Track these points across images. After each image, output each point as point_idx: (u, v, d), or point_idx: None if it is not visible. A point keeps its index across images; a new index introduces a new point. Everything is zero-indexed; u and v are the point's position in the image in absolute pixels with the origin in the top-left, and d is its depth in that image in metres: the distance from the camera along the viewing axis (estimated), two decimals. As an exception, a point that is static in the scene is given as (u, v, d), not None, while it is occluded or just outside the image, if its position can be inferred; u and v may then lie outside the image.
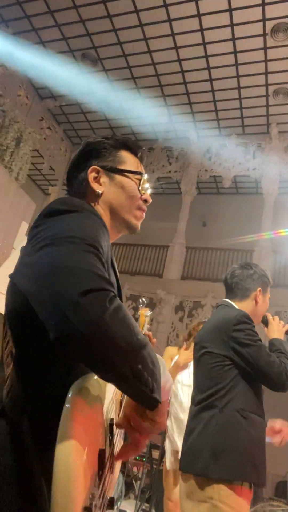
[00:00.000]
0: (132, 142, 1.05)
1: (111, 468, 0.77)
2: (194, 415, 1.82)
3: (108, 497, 0.72)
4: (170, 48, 8.11)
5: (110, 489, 0.76)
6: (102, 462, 0.67)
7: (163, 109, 9.66)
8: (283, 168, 9.49)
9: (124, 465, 5.43)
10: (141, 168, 1.04)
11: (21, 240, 5.19)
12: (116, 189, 0.99)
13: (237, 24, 7.34)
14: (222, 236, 10.17)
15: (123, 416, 0.75)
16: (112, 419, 0.78)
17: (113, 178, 0.99)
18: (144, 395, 0.66)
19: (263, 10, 7.01)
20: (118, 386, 0.67)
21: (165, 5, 7.28)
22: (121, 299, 0.90)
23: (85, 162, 1.01)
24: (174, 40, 7.92)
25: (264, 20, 7.17)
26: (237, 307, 1.94)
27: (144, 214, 1.03)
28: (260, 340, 1.78)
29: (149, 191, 1.05)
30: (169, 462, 3.14)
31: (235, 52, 7.88)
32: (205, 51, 8.00)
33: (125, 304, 9.38)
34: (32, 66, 9.03)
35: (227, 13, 7.18)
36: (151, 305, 9.20)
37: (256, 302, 1.98)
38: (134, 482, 5.71)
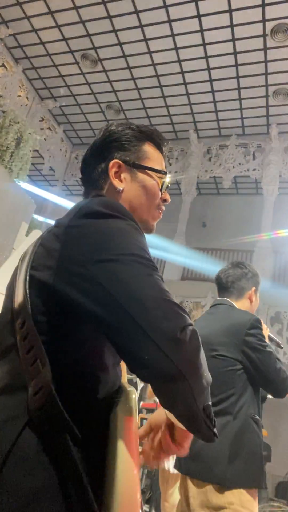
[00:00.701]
0: (157, 135, 0.97)
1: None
2: None
3: None
4: (170, 49, 8.12)
5: None
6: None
7: (163, 109, 9.67)
8: (283, 168, 9.49)
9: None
10: (164, 166, 0.98)
11: (21, 240, 5.18)
12: (138, 187, 0.92)
13: (237, 25, 7.35)
14: (222, 236, 10.18)
15: (149, 432, 0.78)
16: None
17: (135, 175, 0.92)
18: (207, 430, 0.66)
19: (263, 11, 7.02)
20: (186, 421, 0.67)
21: (165, 6, 7.29)
22: None
23: (106, 152, 0.93)
24: (174, 41, 7.92)
25: (264, 21, 7.18)
26: (237, 307, 1.94)
27: (161, 214, 0.98)
28: (269, 346, 1.80)
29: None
30: (172, 465, 3.10)
31: (235, 53, 7.89)
32: (205, 52, 8.01)
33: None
34: (32, 67, 9.05)
35: (227, 14, 7.19)
36: (151, 305, 9.20)
37: (251, 301, 2.00)
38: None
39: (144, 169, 0.92)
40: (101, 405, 0.67)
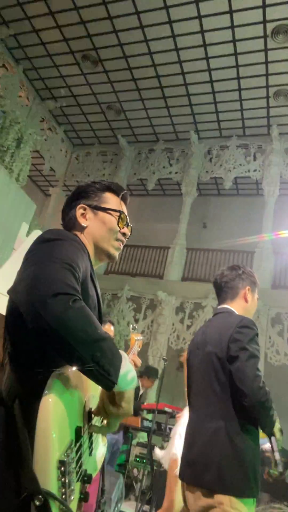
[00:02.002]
0: (115, 186, 1.27)
1: (91, 450, 1.02)
2: (196, 423, 1.79)
3: (87, 472, 0.93)
4: (170, 50, 8.12)
5: (92, 469, 1.01)
6: (78, 437, 0.90)
7: (163, 110, 9.67)
8: (283, 169, 9.49)
9: (124, 467, 5.42)
10: (122, 207, 1.25)
11: (22, 241, 5.18)
12: (99, 224, 1.20)
13: (238, 26, 7.35)
14: (223, 237, 10.17)
15: (99, 403, 0.98)
16: (90, 408, 1.01)
17: (97, 215, 1.21)
18: (101, 377, 0.85)
19: (264, 12, 7.02)
20: (81, 369, 0.85)
21: (166, 7, 7.29)
22: (100, 311, 1.15)
23: (75, 201, 1.23)
24: (175, 42, 7.93)
25: (264, 22, 7.18)
26: (236, 312, 1.93)
27: (122, 245, 1.24)
28: (258, 352, 1.73)
29: (129, 225, 1.26)
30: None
31: (235, 54, 7.89)
32: (206, 53, 8.01)
33: (125, 305, 9.40)
34: (33, 67, 9.05)
35: (228, 15, 7.19)
36: (151, 306, 9.20)
37: (246, 300, 1.99)
38: (134, 483, 5.70)
39: (103, 210, 1.22)
40: (45, 379, 0.85)
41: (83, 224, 1.19)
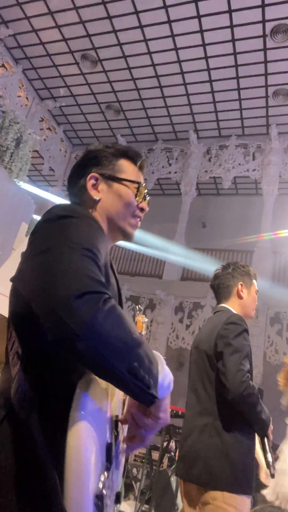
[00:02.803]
0: (132, 152, 1.06)
1: (117, 464, 0.82)
2: (189, 420, 1.82)
3: (115, 492, 0.78)
4: (170, 50, 8.12)
5: (119, 484, 0.85)
6: (109, 455, 0.72)
7: (163, 110, 9.67)
8: (282, 169, 9.50)
9: (123, 467, 5.42)
10: (140, 178, 1.06)
11: (21, 241, 5.18)
12: (114, 197, 1.00)
13: (237, 26, 7.35)
14: (222, 237, 10.18)
15: (127, 413, 0.79)
16: (117, 416, 0.82)
17: (111, 186, 1.01)
18: (140, 392, 0.68)
19: (263, 11, 7.02)
20: (115, 384, 0.69)
21: (165, 7, 7.29)
22: (120, 301, 0.95)
23: (85, 169, 1.02)
24: (174, 41, 7.93)
25: (263, 21, 7.19)
26: (233, 310, 1.93)
27: (139, 222, 1.05)
28: (247, 347, 1.72)
29: (147, 198, 1.06)
30: None
31: (234, 54, 7.89)
32: (205, 52, 8.01)
33: (124, 305, 9.38)
34: (32, 67, 9.05)
35: (227, 15, 7.19)
36: (151, 306, 9.20)
37: (240, 296, 1.97)
38: (133, 483, 5.70)
39: (119, 180, 1.01)
40: (72, 386, 0.70)
41: (95, 197, 0.99)
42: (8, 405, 0.75)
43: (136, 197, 1.02)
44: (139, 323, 1.58)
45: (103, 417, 0.73)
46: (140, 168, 1.07)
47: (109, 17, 7.74)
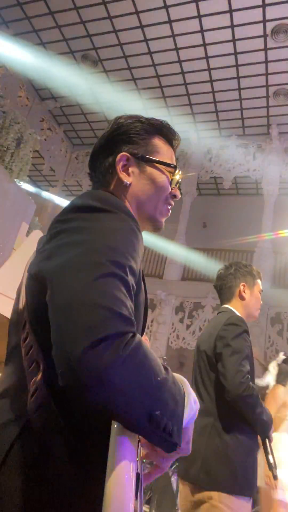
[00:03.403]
0: (168, 129, 0.95)
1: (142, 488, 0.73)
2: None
3: None
4: (170, 50, 8.12)
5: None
6: (138, 486, 0.63)
7: (163, 110, 9.67)
8: (283, 169, 9.49)
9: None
10: (174, 160, 0.95)
11: (21, 241, 5.18)
12: (146, 181, 0.88)
13: (238, 25, 7.35)
14: (223, 237, 10.17)
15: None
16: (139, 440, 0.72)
17: (143, 169, 0.88)
18: (162, 441, 0.59)
19: (264, 11, 7.02)
20: (135, 432, 0.59)
21: (166, 7, 7.29)
22: (146, 313, 0.83)
23: (114, 146, 0.89)
24: (175, 41, 7.92)
25: (264, 21, 7.18)
26: (235, 311, 1.92)
27: (170, 211, 0.95)
28: (247, 349, 1.72)
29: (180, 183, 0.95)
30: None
31: (235, 53, 7.89)
32: (206, 52, 8.01)
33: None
34: (32, 67, 9.05)
35: (228, 14, 7.19)
36: (151, 306, 9.20)
37: (242, 297, 1.95)
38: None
39: (153, 162, 0.89)
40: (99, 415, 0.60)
41: (125, 181, 0.86)
42: (23, 421, 0.63)
43: (170, 183, 0.92)
44: None
45: (135, 447, 0.62)
46: (175, 148, 0.97)
47: (110, 17, 7.74)
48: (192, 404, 0.66)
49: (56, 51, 8.79)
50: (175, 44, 7.98)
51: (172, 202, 0.94)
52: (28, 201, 6.04)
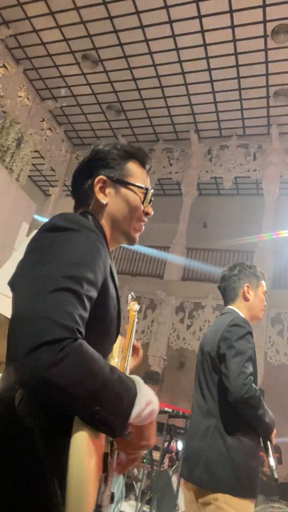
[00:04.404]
0: (141, 154, 1.05)
1: (112, 469, 0.85)
2: (194, 421, 1.82)
3: (110, 494, 0.82)
4: (171, 50, 8.12)
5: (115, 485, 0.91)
6: (106, 465, 0.76)
7: (163, 110, 9.67)
8: (283, 169, 9.49)
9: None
10: (147, 182, 1.05)
11: (22, 240, 5.19)
12: (121, 201, 0.99)
13: (238, 26, 7.35)
14: (223, 237, 10.18)
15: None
16: None
17: (118, 190, 1.00)
18: (104, 430, 0.71)
19: (264, 11, 7.02)
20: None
21: (166, 7, 7.29)
22: (119, 312, 0.94)
23: (92, 170, 1.01)
24: (175, 42, 7.92)
25: (265, 21, 7.18)
26: (239, 312, 1.92)
27: (143, 227, 1.05)
28: (250, 350, 1.71)
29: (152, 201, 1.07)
30: None
31: (236, 54, 7.89)
32: (206, 53, 8.01)
33: (125, 305, 9.36)
34: (33, 67, 9.06)
35: (228, 15, 7.19)
36: (151, 306, 9.20)
37: (246, 298, 1.95)
38: (134, 483, 5.70)
39: (127, 185, 1.00)
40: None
41: (102, 201, 0.98)
42: (11, 411, 0.74)
43: (143, 203, 1.02)
44: (131, 311, 1.52)
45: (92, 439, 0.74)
46: (148, 170, 1.07)
47: (110, 17, 7.74)
48: (141, 403, 0.75)
49: (57, 51, 8.79)
50: (176, 44, 7.98)
51: (145, 219, 1.05)
52: (28, 202, 6.05)
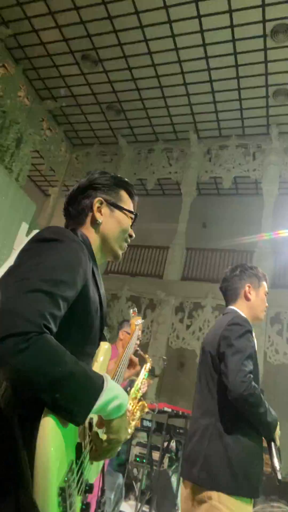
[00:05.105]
0: (131, 186, 1.24)
1: (93, 458, 0.96)
2: (194, 420, 1.83)
3: (88, 483, 0.93)
4: (170, 50, 8.12)
5: (94, 475, 1.01)
6: (79, 453, 0.86)
7: (163, 110, 9.67)
8: (283, 169, 9.49)
9: (124, 467, 5.42)
10: (135, 209, 1.24)
11: (21, 240, 5.19)
12: (114, 222, 1.15)
13: (237, 26, 7.35)
14: (222, 237, 10.18)
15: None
16: (91, 418, 0.97)
17: (113, 212, 1.16)
18: (66, 417, 0.79)
19: (263, 11, 7.02)
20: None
21: (165, 7, 7.29)
22: (102, 317, 1.07)
23: (92, 192, 1.16)
24: (175, 42, 7.92)
25: (264, 21, 7.18)
26: (240, 312, 1.93)
27: (127, 246, 1.23)
28: (250, 348, 1.72)
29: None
30: None
31: (235, 53, 7.89)
32: (205, 53, 8.01)
33: (125, 305, 9.39)
34: (32, 67, 9.05)
35: (227, 15, 7.19)
36: (151, 306, 9.20)
37: (248, 298, 1.96)
38: (134, 483, 5.70)
39: (120, 209, 1.17)
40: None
41: (98, 220, 1.13)
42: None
43: (131, 226, 1.20)
44: (133, 326, 1.59)
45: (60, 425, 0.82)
46: (134, 201, 1.25)
47: (110, 17, 7.74)
48: (108, 396, 0.85)
49: (56, 51, 8.79)
50: (175, 44, 7.98)
51: (129, 240, 1.22)
52: (27, 201, 6.05)
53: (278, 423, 1.70)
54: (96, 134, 11.12)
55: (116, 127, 10.60)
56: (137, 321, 1.60)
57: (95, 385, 0.83)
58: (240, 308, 1.94)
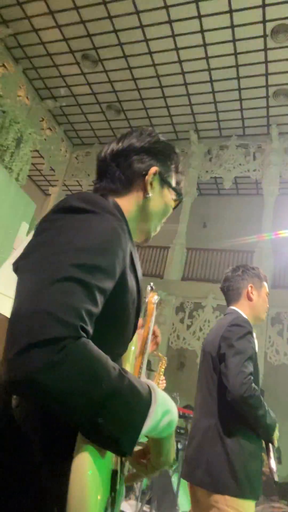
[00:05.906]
0: (182, 168, 1.05)
1: (127, 481, 0.80)
2: (195, 421, 1.82)
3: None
4: (170, 50, 8.11)
5: (121, 498, 0.80)
6: (114, 483, 0.67)
7: (163, 110, 9.67)
8: (283, 169, 9.49)
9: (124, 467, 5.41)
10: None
11: (21, 240, 5.18)
12: (161, 200, 0.96)
13: (238, 26, 7.34)
14: (223, 237, 10.17)
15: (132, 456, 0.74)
16: None
17: (163, 189, 0.96)
18: (109, 447, 0.61)
19: (264, 11, 7.01)
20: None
21: (166, 7, 7.28)
22: (139, 306, 0.85)
23: (149, 156, 0.94)
24: (175, 42, 7.92)
25: (264, 21, 7.18)
26: (242, 312, 1.92)
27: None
28: (250, 350, 1.71)
29: None
30: None
31: (235, 54, 7.89)
32: (206, 53, 8.00)
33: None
34: (32, 67, 9.05)
35: (228, 15, 7.19)
36: (151, 306, 9.19)
37: (250, 298, 1.95)
38: (134, 483, 5.70)
39: (171, 187, 0.98)
40: None
41: (149, 193, 0.92)
42: (7, 415, 0.66)
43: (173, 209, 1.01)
44: (150, 304, 1.43)
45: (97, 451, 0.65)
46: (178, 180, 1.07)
47: (110, 17, 7.73)
48: (157, 414, 0.64)
49: (56, 50, 8.79)
50: (175, 44, 7.98)
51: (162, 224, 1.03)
52: (28, 201, 6.04)
53: (277, 425, 1.70)
54: (96, 134, 11.12)
55: (116, 126, 10.59)
56: (154, 298, 1.47)
57: (143, 402, 0.63)
58: (242, 308, 1.94)
